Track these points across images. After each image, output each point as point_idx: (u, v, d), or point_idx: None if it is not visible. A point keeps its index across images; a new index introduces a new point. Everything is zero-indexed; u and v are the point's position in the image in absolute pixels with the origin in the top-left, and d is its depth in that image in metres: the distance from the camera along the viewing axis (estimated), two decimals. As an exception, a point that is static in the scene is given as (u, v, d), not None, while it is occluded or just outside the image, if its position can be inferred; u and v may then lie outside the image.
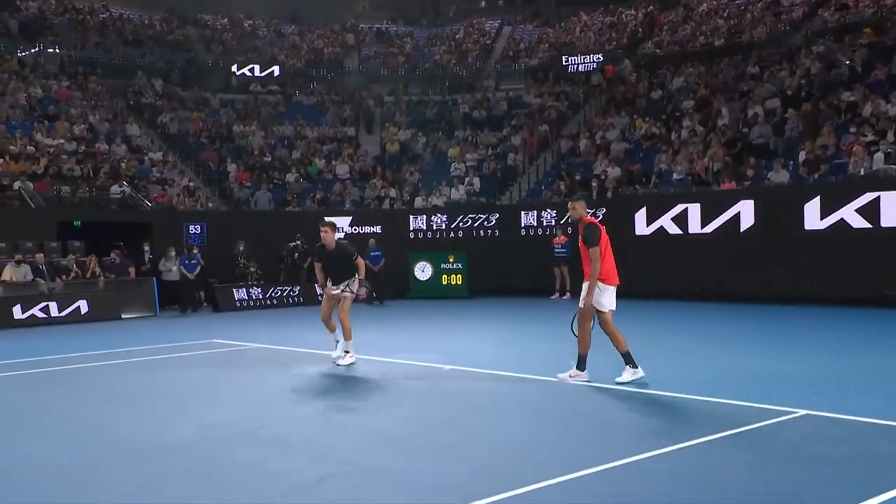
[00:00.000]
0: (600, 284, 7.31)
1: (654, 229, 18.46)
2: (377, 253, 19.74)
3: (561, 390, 7.29)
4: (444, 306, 17.90)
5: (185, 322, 16.08)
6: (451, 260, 20.53)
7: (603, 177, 21.58)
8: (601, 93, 28.01)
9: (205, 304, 18.92)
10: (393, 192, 24.22)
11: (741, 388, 7.08)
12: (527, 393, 7.31)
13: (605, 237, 7.44)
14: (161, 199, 21.38)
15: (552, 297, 19.29)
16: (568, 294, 19.34)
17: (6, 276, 15.90)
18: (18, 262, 16.19)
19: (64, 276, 16.89)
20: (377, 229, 22.26)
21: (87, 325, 15.45)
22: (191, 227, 20.64)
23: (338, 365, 8.79)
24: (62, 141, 22.70)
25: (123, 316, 16.64)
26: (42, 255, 16.93)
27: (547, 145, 26.21)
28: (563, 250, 19.48)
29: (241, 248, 19.99)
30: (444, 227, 22.29)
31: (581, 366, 7.56)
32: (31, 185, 19.58)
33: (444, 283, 20.56)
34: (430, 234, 22.35)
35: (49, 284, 16.15)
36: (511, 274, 20.43)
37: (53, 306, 15.69)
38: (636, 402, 6.69)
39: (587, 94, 28.37)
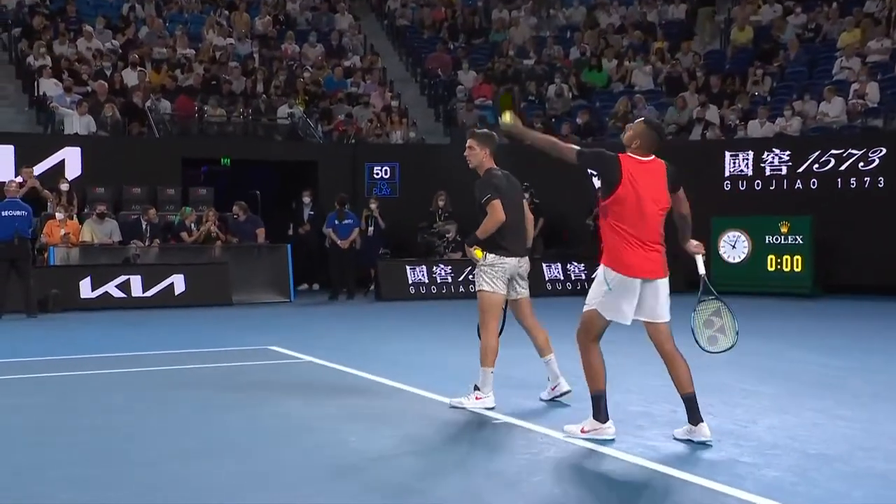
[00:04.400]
0: (608, 272, 6.67)
1: None
2: (642, 214, 17.71)
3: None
4: (756, 310, 16.32)
5: (307, 314, 15.85)
6: (785, 229, 18.76)
7: None
8: None
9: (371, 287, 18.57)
10: (711, 114, 21.60)
11: None
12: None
13: (631, 185, 6.51)
14: (342, 127, 21.47)
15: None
16: None
17: (86, 235, 16.95)
18: (101, 216, 17.12)
19: (172, 239, 17.57)
20: (668, 175, 20.18)
21: (175, 312, 15.78)
22: (375, 170, 20.42)
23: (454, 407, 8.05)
24: (233, 41, 23.94)
25: (235, 299, 16.81)
26: (154, 210, 17.80)
27: None
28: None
29: (442, 204, 19.21)
30: (783, 171, 19.78)
31: (599, 413, 6.77)
32: (167, 104, 20.84)
33: (771, 268, 19.02)
34: (756, 185, 20.03)
35: (134, 250, 16.87)
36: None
37: (136, 283, 16.23)
38: None
39: None
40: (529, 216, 8.32)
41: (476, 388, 8.02)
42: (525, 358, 8.84)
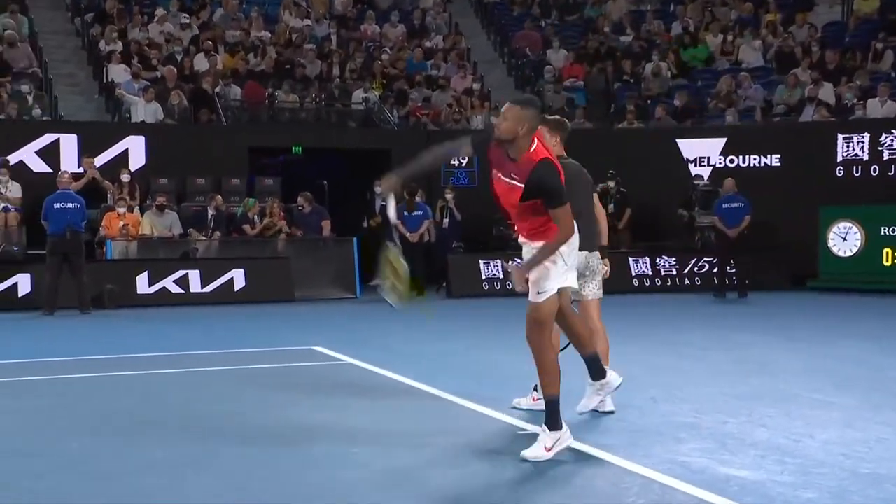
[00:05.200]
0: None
1: None
2: (738, 204, 17.56)
3: None
4: (864, 308, 16.39)
5: (368, 311, 15.64)
6: (904, 219, 18.60)
7: None
8: None
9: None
10: (825, 93, 20.86)
11: None
12: None
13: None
14: (420, 111, 21.36)
15: None
16: None
17: (146, 227, 17.17)
18: (161, 208, 17.33)
19: (235, 232, 17.72)
20: (773, 160, 19.97)
21: (233, 309, 16.00)
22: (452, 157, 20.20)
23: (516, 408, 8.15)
24: (310, 23, 24.05)
25: (298, 295, 16.84)
26: (220, 197, 18.00)
27: None
28: None
29: (522, 194, 18.97)
30: (902, 154, 19.39)
31: (557, 422, 6.55)
32: (237, 90, 21.02)
33: (887, 262, 18.66)
34: (872, 170, 19.45)
35: (192, 244, 17.03)
36: None
37: (195, 278, 16.42)
38: None
39: None
40: (601, 211, 8.12)
41: (535, 388, 7.92)
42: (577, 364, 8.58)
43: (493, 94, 23.04)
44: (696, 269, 18.47)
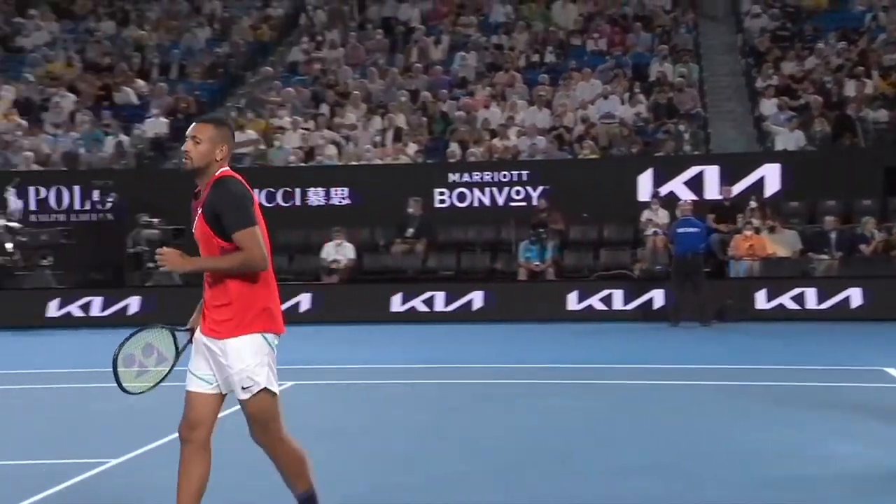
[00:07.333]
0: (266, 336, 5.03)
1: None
2: None
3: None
4: None
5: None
6: None
7: None
8: None
9: None
10: None
11: None
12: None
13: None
14: None
15: None
16: None
17: (769, 247, 17.89)
18: (772, 229, 18.12)
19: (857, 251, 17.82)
20: None
21: (848, 326, 16.27)
22: None
23: None
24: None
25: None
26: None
27: None
28: None
29: None
30: None
31: None
32: (884, 113, 20.78)
33: None
34: None
35: (811, 262, 17.48)
36: None
37: (811, 295, 16.95)
38: None
39: None
40: None
41: None
42: None
43: None
44: None
